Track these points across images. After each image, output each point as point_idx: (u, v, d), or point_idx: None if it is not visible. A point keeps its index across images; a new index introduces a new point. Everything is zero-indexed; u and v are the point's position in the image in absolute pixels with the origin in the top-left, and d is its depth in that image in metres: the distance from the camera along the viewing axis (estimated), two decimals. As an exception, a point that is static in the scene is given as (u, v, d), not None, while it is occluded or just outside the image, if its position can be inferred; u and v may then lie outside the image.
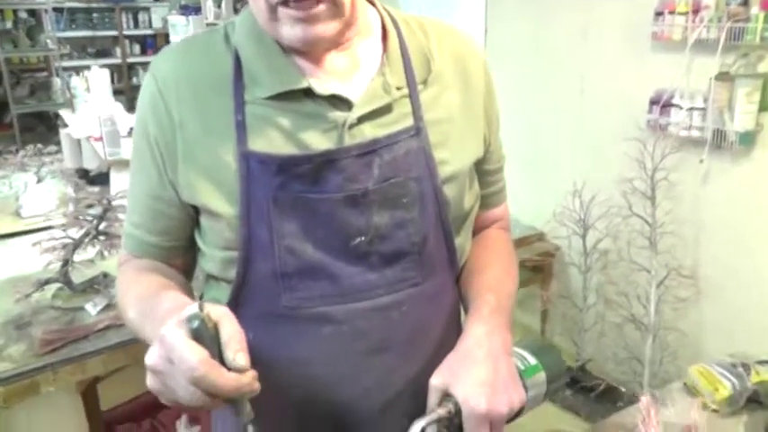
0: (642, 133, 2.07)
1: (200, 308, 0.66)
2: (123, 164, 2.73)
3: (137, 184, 0.90)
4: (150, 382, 0.68)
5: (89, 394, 2.03)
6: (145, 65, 7.28)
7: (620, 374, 2.44)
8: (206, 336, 0.66)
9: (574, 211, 2.37)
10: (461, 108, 0.89)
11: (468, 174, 0.91)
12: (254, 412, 0.69)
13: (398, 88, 0.84)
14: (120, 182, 2.63)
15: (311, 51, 0.82)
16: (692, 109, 1.93)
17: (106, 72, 3.85)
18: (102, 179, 2.84)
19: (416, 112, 0.84)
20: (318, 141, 0.81)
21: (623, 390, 2.42)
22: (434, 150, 0.85)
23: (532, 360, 0.92)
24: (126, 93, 7.11)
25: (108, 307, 1.78)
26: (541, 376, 0.91)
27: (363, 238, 0.83)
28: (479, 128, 0.92)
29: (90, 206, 1.87)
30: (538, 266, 2.72)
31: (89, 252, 1.81)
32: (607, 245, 2.37)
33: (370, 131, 0.82)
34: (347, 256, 0.84)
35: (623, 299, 2.33)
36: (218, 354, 0.66)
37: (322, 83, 0.81)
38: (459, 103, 0.89)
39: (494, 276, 0.95)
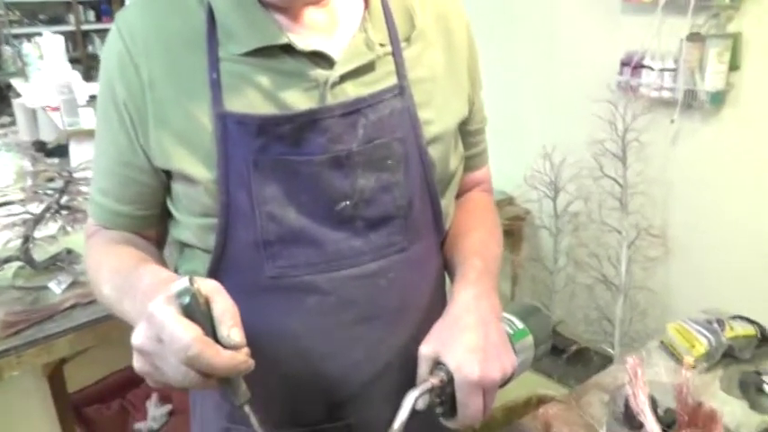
0: (613, 95, 2.07)
1: (191, 282, 0.62)
2: (84, 134, 2.64)
3: (104, 151, 0.85)
4: (137, 363, 0.64)
5: (55, 377, 1.97)
6: (101, 32, 7.04)
7: (592, 335, 2.47)
8: (198, 312, 0.62)
9: (544, 174, 2.37)
10: (445, 67, 0.86)
11: (454, 135, 0.89)
12: (249, 392, 0.67)
13: (381, 45, 0.80)
14: (80, 153, 2.55)
15: (290, 6, 0.77)
16: (662, 70, 1.93)
17: (60, 38, 3.71)
18: (60, 151, 2.75)
19: (400, 70, 0.81)
20: (299, 101, 0.77)
21: (595, 350, 2.46)
22: (419, 110, 0.82)
23: (520, 324, 0.91)
24: (82, 62, 6.88)
25: (73, 285, 1.71)
26: (529, 340, 0.90)
27: (348, 203, 0.80)
28: (463, 88, 0.89)
29: (50, 180, 1.79)
30: (508, 231, 2.72)
31: (51, 228, 1.74)
32: (578, 207, 2.38)
33: (353, 90, 0.78)
34: (331, 221, 0.80)
35: (594, 260, 2.35)
36: (210, 331, 0.62)
37: (302, 39, 0.77)
38: (443, 62, 0.86)
39: (479, 240, 0.93)
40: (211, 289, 0.64)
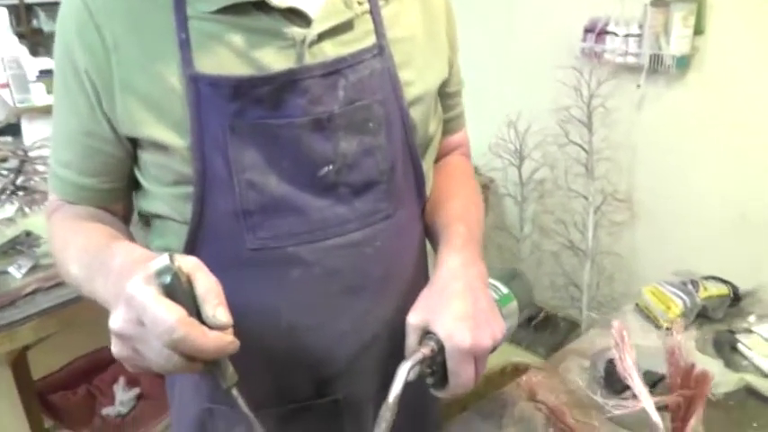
0: (578, 61, 2.07)
1: (171, 259, 0.58)
2: (36, 111, 2.53)
3: (63, 120, 0.79)
4: (116, 348, 0.60)
5: (19, 365, 1.90)
6: (47, 6, 6.76)
7: (559, 302, 2.50)
8: (180, 291, 0.58)
9: (509, 143, 2.37)
10: (423, 27, 0.83)
11: (434, 96, 0.87)
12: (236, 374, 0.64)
13: (359, 3, 0.76)
14: (34, 131, 2.44)
15: None
16: (627, 35, 1.93)
17: (3, 10, 3.53)
18: (12, 130, 2.63)
19: (379, 29, 0.78)
20: (275, 61, 0.73)
21: (562, 317, 2.49)
22: (399, 71, 0.79)
23: (504, 289, 0.90)
24: (27, 37, 6.60)
25: (34, 269, 1.65)
26: (514, 305, 0.90)
27: (331, 167, 0.77)
28: (443, 49, 0.87)
29: (3, 160, 1.72)
30: (473, 200, 2.72)
31: (7, 210, 1.68)
32: (543, 174, 2.39)
33: (331, 50, 0.75)
34: (314, 188, 0.77)
35: (560, 227, 2.37)
36: (194, 311, 0.58)
37: None
38: (421, 22, 0.83)
39: (461, 205, 0.91)
40: (193, 266, 0.60)
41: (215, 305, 0.59)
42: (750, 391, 1.04)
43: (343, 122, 0.76)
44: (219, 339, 0.58)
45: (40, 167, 1.64)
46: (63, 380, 2.49)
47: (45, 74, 2.64)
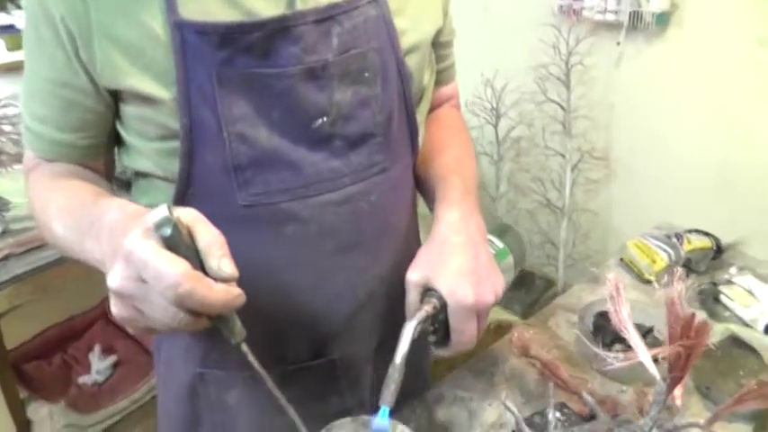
0: (556, 19, 2.05)
1: (170, 210, 0.55)
2: (-2, 69, 2.43)
3: (37, 73, 0.75)
4: (117, 308, 0.57)
5: (-8, 334, 1.87)
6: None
7: (535, 260, 2.52)
8: (181, 244, 0.55)
9: (485, 101, 2.35)
10: None
11: (428, 46, 0.84)
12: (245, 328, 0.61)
13: None
14: (-4, 89, 2.35)
15: None
16: (606, -8, 1.92)
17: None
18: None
19: None
20: (264, 6, 0.70)
21: (539, 275, 2.51)
22: (394, 18, 0.77)
23: (500, 244, 0.90)
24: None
25: (5, 234, 1.61)
26: (510, 260, 0.90)
27: (325, 119, 0.74)
28: None
29: (-34, 121, 1.66)
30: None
31: (-27, 174, 1.63)
32: (520, 132, 2.38)
33: None
34: (308, 140, 0.75)
35: (537, 185, 2.38)
36: (198, 264, 0.56)
37: None
38: None
39: (454, 157, 0.89)
40: (193, 218, 0.58)
41: (219, 256, 0.56)
42: (735, 341, 1.06)
43: (337, 72, 0.73)
44: (227, 292, 0.56)
45: (6, 127, 1.57)
46: (37, 349, 2.45)
47: (4, 29, 2.55)
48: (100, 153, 0.81)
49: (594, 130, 2.15)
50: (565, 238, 2.27)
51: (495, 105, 2.35)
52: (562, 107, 2.12)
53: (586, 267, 2.24)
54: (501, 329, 1.76)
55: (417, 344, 0.78)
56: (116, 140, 0.81)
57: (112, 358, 2.49)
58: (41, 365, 2.44)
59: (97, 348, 2.50)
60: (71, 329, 2.56)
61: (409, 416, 0.98)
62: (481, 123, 2.42)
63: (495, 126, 2.40)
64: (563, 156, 2.19)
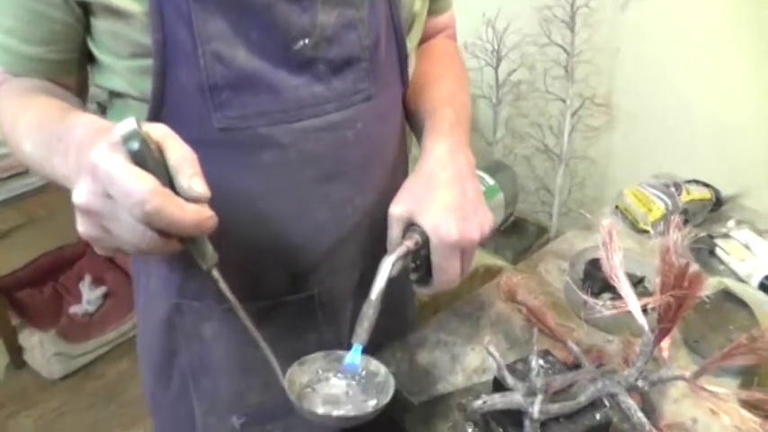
0: (563, -44, 1.96)
1: (138, 124, 0.51)
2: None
3: None
4: (83, 227, 0.53)
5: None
6: None
7: (529, 206, 2.49)
8: (150, 159, 0.51)
9: (486, 42, 2.28)
10: None
11: None
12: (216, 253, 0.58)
13: None
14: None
15: None
16: (617, -73, 1.83)
17: None
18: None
19: None
20: None
21: (532, 222, 2.48)
22: None
23: (491, 181, 0.86)
24: None
25: (-20, 159, 1.58)
26: (501, 198, 0.87)
27: (307, 41, 0.70)
28: None
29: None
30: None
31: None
32: (521, 76, 2.31)
33: None
34: (288, 63, 0.70)
35: (535, 130, 2.33)
36: (167, 182, 0.52)
37: None
38: None
39: (447, 89, 0.85)
40: (163, 134, 0.54)
41: (190, 175, 0.53)
42: (727, 295, 1.04)
43: None
44: (197, 213, 0.52)
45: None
46: (28, 277, 2.46)
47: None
48: (71, 70, 0.77)
49: (597, 75, 2.09)
50: (561, 185, 2.24)
51: (496, 47, 2.27)
52: (566, 51, 2.05)
53: (581, 216, 2.21)
54: (490, 275, 1.75)
55: (399, 283, 0.76)
56: (89, 58, 0.77)
57: (102, 289, 2.49)
58: (33, 294, 2.44)
59: (87, 279, 2.50)
60: (62, 258, 2.55)
61: (389, 359, 0.97)
62: (481, 65, 2.35)
63: (496, 69, 2.33)
64: (563, 101, 2.13)
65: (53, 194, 1.61)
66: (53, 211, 1.74)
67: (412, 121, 0.89)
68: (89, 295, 2.46)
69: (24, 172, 1.61)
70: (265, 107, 0.71)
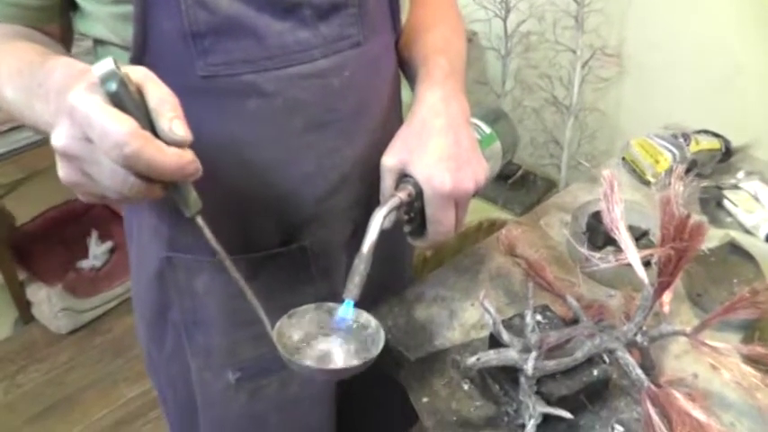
0: None
1: (116, 65, 0.49)
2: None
3: None
4: (63, 172, 0.52)
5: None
6: None
7: (537, 159, 2.46)
8: (129, 101, 0.49)
9: (495, -9, 2.23)
10: None
11: None
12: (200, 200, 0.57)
13: None
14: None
15: None
16: None
17: None
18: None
19: None
20: None
21: (540, 175, 2.45)
22: None
23: (487, 129, 0.84)
24: None
25: (-17, 113, 1.55)
26: (498, 146, 0.84)
27: None
28: None
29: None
30: (454, 53, 2.59)
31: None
32: (530, 26, 2.25)
33: None
34: (272, 8, 0.68)
35: (544, 81, 2.28)
36: (147, 125, 0.50)
37: None
38: None
39: (441, 36, 0.83)
40: (143, 76, 0.52)
41: (171, 118, 0.51)
42: (733, 248, 1.01)
43: None
44: (178, 156, 0.50)
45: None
46: (35, 231, 2.45)
47: None
48: (53, 17, 0.75)
49: (608, 25, 2.03)
50: (570, 138, 2.20)
51: (505, -3, 2.22)
52: (576, 0, 1.99)
53: (590, 169, 2.17)
54: (494, 228, 1.72)
55: (394, 235, 0.74)
56: (72, 5, 0.74)
57: (109, 244, 2.49)
58: (40, 248, 2.44)
59: (94, 234, 2.50)
60: (69, 213, 2.55)
61: (386, 314, 0.95)
62: (489, 17, 2.29)
63: (504, 20, 2.27)
64: (574, 52, 2.08)
65: (50, 148, 1.60)
66: (54, 164, 1.73)
67: (405, 70, 0.86)
68: (95, 250, 2.46)
69: (23, 125, 1.59)
70: (249, 54, 0.69)
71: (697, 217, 0.67)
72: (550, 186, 2.38)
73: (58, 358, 2.22)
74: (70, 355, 2.23)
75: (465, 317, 0.95)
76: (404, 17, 0.85)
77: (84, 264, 2.43)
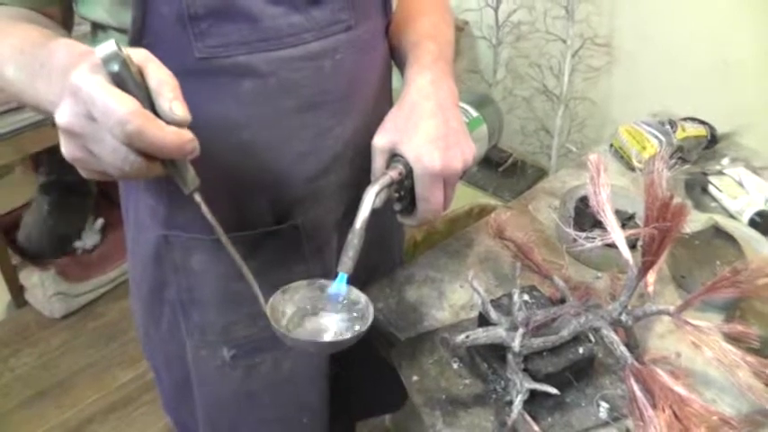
0: None
1: (118, 47, 0.51)
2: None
3: None
4: (66, 148, 0.54)
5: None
6: None
7: (528, 147, 2.47)
8: (131, 82, 0.51)
9: (487, -19, 2.24)
10: None
11: None
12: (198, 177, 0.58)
13: None
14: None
15: None
16: None
17: None
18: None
19: None
20: None
21: (530, 163, 2.46)
22: None
23: (474, 112, 0.86)
24: None
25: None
26: (484, 129, 0.86)
27: None
28: None
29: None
30: (446, 42, 2.59)
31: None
32: (521, 16, 2.27)
33: None
34: None
35: (535, 71, 2.29)
36: (148, 105, 0.52)
37: None
38: None
39: (431, 23, 0.85)
40: (143, 57, 0.54)
41: (170, 98, 0.53)
42: (716, 231, 1.03)
43: None
44: (178, 135, 0.52)
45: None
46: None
47: None
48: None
49: (598, 15, 2.05)
50: (560, 127, 2.22)
51: (496, -14, 2.23)
52: (566, -11, 2.01)
53: (579, 157, 2.19)
54: (484, 213, 1.74)
55: (385, 215, 0.76)
56: None
57: (100, 221, 2.47)
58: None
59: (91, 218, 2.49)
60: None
61: (377, 294, 0.97)
62: (481, 6, 2.31)
63: (496, 9, 2.28)
64: (564, 41, 2.09)
65: (50, 131, 1.59)
66: (50, 148, 1.74)
67: (395, 56, 0.88)
68: (88, 229, 2.45)
69: (19, 107, 1.58)
70: (245, 36, 0.71)
71: (680, 199, 0.69)
72: (541, 174, 2.40)
73: (51, 342, 2.23)
74: (63, 340, 2.24)
75: (454, 298, 0.98)
76: (394, 3, 0.87)
77: (78, 244, 2.42)
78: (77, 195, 2.39)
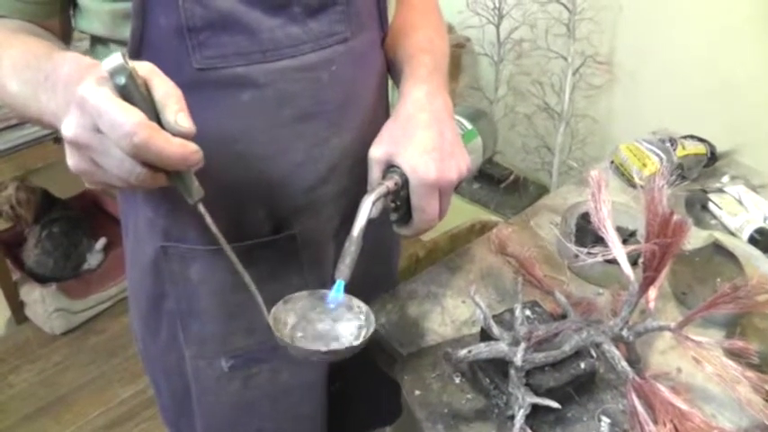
0: None
1: (124, 59, 0.52)
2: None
3: None
4: (72, 160, 0.54)
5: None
6: None
7: (529, 164, 2.49)
8: (137, 94, 0.52)
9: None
10: None
11: None
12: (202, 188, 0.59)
13: None
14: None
15: None
16: None
17: None
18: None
19: None
20: None
21: (532, 180, 2.48)
22: None
23: (469, 125, 0.87)
24: None
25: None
26: (479, 142, 0.87)
27: None
28: None
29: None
30: (447, 59, 2.61)
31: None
32: (522, 33, 2.29)
33: None
34: (264, 5, 0.71)
35: (536, 88, 2.31)
36: (154, 117, 0.53)
37: None
38: None
39: (425, 37, 0.86)
40: (149, 71, 0.55)
41: (176, 110, 0.54)
42: (717, 248, 1.04)
43: None
44: (183, 146, 0.53)
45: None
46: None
47: None
48: (54, 12, 0.77)
49: (599, 33, 2.07)
50: (561, 144, 2.23)
51: (497, 5, 2.25)
52: (567, 8, 2.02)
53: (580, 174, 2.20)
54: (485, 229, 1.74)
55: (382, 228, 0.77)
56: (71, 2, 0.77)
57: (102, 241, 2.48)
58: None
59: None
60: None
61: (380, 310, 0.97)
62: (482, 23, 2.33)
63: (497, 26, 2.30)
64: (565, 59, 2.11)
65: (49, 147, 1.60)
66: (49, 167, 1.75)
67: (391, 69, 0.90)
68: (90, 251, 2.46)
69: (19, 124, 1.60)
70: (242, 47, 0.72)
71: (680, 216, 0.70)
72: (542, 191, 2.41)
73: (52, 358, 2.23)
74: (64, 356, 2.24)
75: (456, 313, 0.98)
76: (390, 16, 0.88)
77: (84, 266, 2.43)
78: (71, 225, 2.40)
